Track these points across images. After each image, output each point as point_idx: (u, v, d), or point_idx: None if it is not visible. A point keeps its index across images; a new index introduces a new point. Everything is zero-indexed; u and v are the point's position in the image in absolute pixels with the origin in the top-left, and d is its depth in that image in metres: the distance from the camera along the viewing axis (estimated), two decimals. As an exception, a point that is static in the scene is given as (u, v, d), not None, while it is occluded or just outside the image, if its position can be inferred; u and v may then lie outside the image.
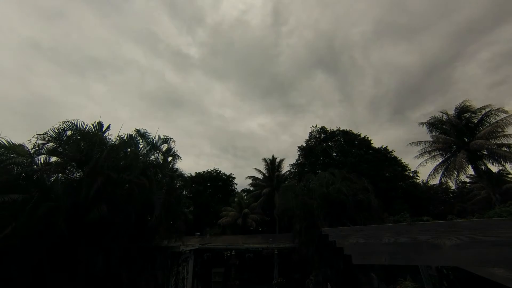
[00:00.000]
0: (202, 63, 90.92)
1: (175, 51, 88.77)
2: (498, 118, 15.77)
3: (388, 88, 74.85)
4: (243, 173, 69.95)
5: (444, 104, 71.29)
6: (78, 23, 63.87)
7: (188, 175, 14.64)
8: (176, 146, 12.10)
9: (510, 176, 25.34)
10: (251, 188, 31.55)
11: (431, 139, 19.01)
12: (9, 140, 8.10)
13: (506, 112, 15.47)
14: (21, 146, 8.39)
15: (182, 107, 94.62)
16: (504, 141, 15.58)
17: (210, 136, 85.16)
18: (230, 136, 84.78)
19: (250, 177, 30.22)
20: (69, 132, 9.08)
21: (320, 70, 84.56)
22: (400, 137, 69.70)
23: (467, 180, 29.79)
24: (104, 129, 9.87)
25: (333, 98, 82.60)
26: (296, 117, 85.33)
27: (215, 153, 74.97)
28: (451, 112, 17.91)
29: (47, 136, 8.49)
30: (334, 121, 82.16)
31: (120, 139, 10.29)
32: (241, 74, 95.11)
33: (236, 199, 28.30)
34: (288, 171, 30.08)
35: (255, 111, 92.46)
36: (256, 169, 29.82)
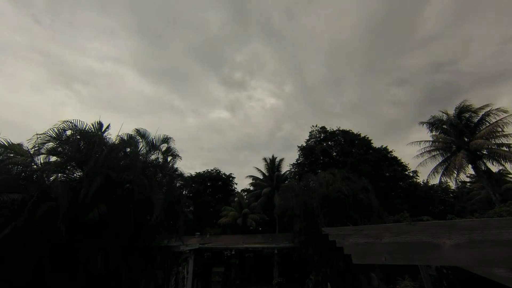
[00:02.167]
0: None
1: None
2: (498, 118, 15.78)
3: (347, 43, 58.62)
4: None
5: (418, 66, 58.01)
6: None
7: (188, 174, 14.66)
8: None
9: (510, 176, 25.36)
10: (251, 188, 31.55)
11: (431, 139, 19.04)
12: (8, 140, 8.10)
13: (506, 111, 15.48)
14: (19, 145, 8.38)
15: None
16: (504, 140, 15.59)
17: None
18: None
19: (250, 176, 30.24)
20: (68, 132, 9.07)
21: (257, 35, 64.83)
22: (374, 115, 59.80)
23: (467, 179, 29.86)
24: (103, 129, 9.86)
25: (280, 69, 66.82)
26: (242, 95, 71.54)
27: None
28: (451, 111, 17.95)
29: (47, 135, 8.48)
30: (291, 102, 69.55)
31: (120, 139, 10.28)
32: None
33: (236, 199, 28.33)
34: (288, 170, 30.10)
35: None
36: (256, 168, 29.88)
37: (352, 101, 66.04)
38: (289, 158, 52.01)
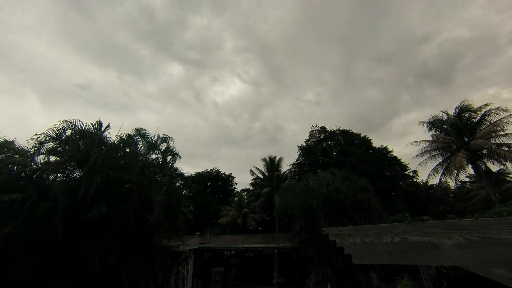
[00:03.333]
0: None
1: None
2: (498, 117, 15.78)
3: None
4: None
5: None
6: None
7: (188, 174, 14.66)
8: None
9: (510, 175, 25.33)
10: (251, 188, 31.55)
11: (431, 139, 19.03)
12: (6, 138, 8.10)
13: (506, 110, 15.47)
14: (12, 142, 8.34)
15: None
16: (504, 140, 15.58)
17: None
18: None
19: (252, 174, 30.26)
20: (68, 132, 9.07)
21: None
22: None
23: (467, 179, 29.82)
24: (103, 129, 9.85)
25: (241, 46, 61.50)
26: (204, 79, 64.84)
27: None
28: (451, 111, 17.94)
29: (47, 135, 8.47)
30: (260, 87, 64.69)
31: (119, 139, 10.28)
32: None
33: (236, 199, 28.31)
34: (288, 170, 30.13)
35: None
36: (256, 167, 29.89)
37: (331, 85, 60.00)
38: (276, 152, 49.45)
